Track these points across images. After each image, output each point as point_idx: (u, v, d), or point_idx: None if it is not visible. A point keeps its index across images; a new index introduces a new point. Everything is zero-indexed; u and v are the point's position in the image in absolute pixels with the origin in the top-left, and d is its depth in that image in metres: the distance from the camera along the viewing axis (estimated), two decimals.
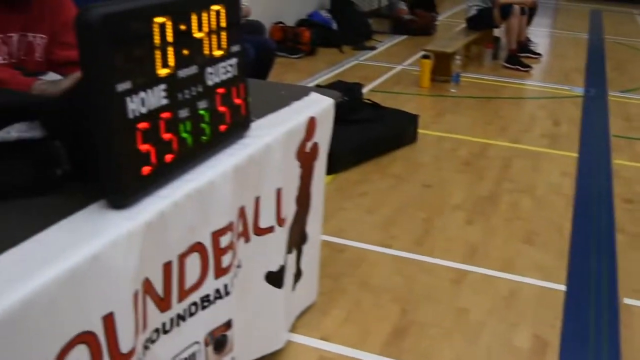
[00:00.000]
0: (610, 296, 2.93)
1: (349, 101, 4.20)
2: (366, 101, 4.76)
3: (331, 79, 6.04)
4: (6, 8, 1.94)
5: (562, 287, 2.97)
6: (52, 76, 1.86)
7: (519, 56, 7.32)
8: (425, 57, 6.26)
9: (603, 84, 6.90)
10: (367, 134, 4.32)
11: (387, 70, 6.88)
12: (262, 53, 4.47)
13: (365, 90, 5.04)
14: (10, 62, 1.96)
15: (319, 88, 2.92)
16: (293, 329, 2.52)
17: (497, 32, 7.90)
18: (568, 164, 4.51)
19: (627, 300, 2.91)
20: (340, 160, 3.92)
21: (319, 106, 2.27)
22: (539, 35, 9.30)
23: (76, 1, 2.15)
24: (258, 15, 5.56)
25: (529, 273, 3.08)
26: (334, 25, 8.00)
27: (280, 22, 7.34)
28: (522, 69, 7.18)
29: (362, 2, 9.27)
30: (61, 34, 2.07)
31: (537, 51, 7.95)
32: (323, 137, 2.32)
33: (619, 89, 6.67)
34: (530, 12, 7.58)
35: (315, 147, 2.26)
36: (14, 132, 1.48)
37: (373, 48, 7.86)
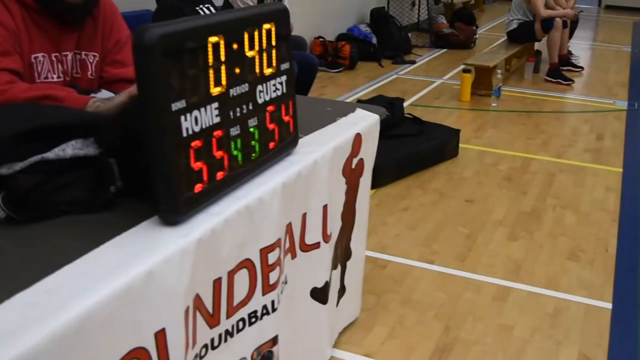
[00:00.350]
0: None
1: (391, 116, 4.19)
2: (407, 116, 4.75)
3: (371, 94, 6.05)
4: (62, 27, 1.99)
5: (608, 305, 2.92)
6: (104, 94, 1.89)
7: (561, 69, 7.24)
8: (466, 71, 6.23)
9: None
10: (408, 148, 4.31)
11: (427, 84, 6.86)
12: (304, 68, 4.49)
13: (405, 104, 5.03)
14: (64, 80, 2.00)
15: (364, 104, 2.92)
16: (336, 344, 2.52)
17: (537, 45, 7.83)
18: (612, 179, 4.44)
19: None
20: (382, 175, 3.92)
21: (365, 122, 2.27)
22: (581, 48, 9.19)
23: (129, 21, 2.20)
24: (299, 30, 5.60)
25: (574, 291, 3.03)
26: (374, 40, 8.02)
27: (321, 37, 7.38)
28: (564, 82, 7.09)
29: (402, 16, 9.28)
30: (113, 52, 2.12)
31: (579, 64, 7.86)
32: (368, 153, 2.32)
33: None
34: (572, 25, 7.50)
35: (361, 163, 2.27)
36: (69, 149, 1.51)
37: (413, 62, 7.85)
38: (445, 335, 2.66)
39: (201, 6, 3.77)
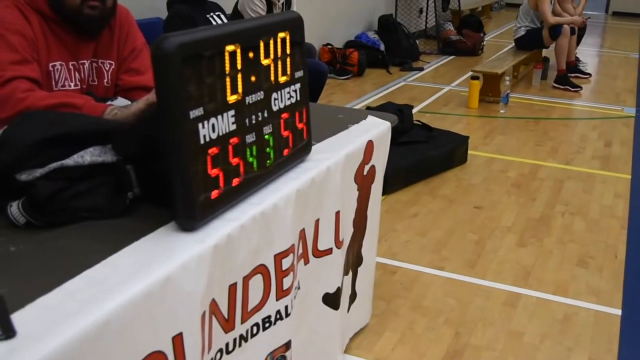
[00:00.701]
0: None
1: (400, 123, 4.21)
2: (416, 122, 4.77)
3: (380, 100, 6.07)
4: (79, 36, 2.01)
5: (618, 312, 2.93)
6: (121, 101, 1.92)
7: (569, 76, 7.25)
8: (474, 77, 6.25)
9: None
10: (417, 155, 4.33)
11: (435, 91, 6.88)
12: (314, 76, 4.50)
13: (414, 111, 5.05)
14: (81, 87, 2.03)
15: (375, 111, 2.94)
16: (347, 350, 2.53)
17: (545, 52, 7.85)
18: (621, 185, 4.44)
19: None
20: (391, 181, 3.94)
21: (377, 130, 2.29)
22: (588, 55, 9.20)
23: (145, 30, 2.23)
24: (308, 37, 5.61)
25: (584, 297, 3.04)
26: (382, 47, 8.05)
27: (329, 44, 7.41)
28: (572, 89, 7.10)
29: (409, 23, 9.31)
30: (129, 60, 2.14)
31: (587, 71, 7.87)
32: (380, 160, 2.34)
33: None
34: (579, 32, 7.52)
35: (372, 170, 2.29)
36: (88, 156, 1.54)
37: (420, 69, 7.87)
38: (455, 341, 2.67)
39: (212, 14, 3.81)
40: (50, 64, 1.96)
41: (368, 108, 4.75)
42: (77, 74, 2.01)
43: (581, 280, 3.18)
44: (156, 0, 4.01)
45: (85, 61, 2.04)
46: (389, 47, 8.11)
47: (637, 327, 2.82)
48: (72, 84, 2.00)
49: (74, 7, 1.93)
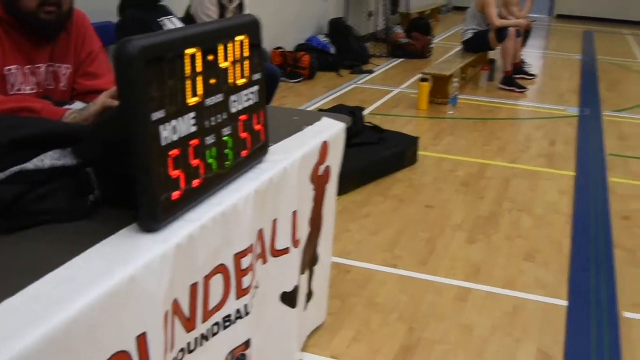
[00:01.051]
0: (610, 310, 3.00)
1: (352, 125, 4.27)
2: (367, 124, 4.84)
3: (331, 103, 6.14)
4: (36, 40, 2.02)
5: (564, 303, 3.04)
6: (79, 105, 1.92)
7: (515, 78, 7.44)
8: (423, 80, 6.37)
9: (597, 104, 7.03)
10: (369, 156, 4.40)
11: (385, 93, 6.98)
12: (267, 79, 4.54)
13: (365, 113, 5.12)
14: (38, 92, 2.03)
15: (330, 113, 3.00)
16: (305, 348, 2.58)
17: (492, 54, 8.04)
18: (565, 182, 4.60)
19: (627, 314, 2.98)
20: (344, 182, 3.97)
21: (331, 131, 2.35)
22: (533, 57, 9.45)
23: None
24: None
25: (532, 290, 3.15)
26: (333, 50, 8.12)
27: (280, 48, 7.45)
28: (518, 90, 7.30)
29: (359, 26, 9.40)
30: (86, 64, 2.15)
31: (532, 72, 8.09)
32: (335, 160, 2.40)
33: (612, 109, 6.80)
34: (525, 35, 7.72)
35: (328, 170, 2.34)
36: (48, 160, 1.55)
37: (371, 72, 7.97)
38: (409, 336, 2.74)
39: (164, 19, 3.81)
40: (6, 68, 1.96)
41: (320, 111, 4.80)
42: (33, 78, 2.01)
43: (529, 274, 3.30)
44: (107, 4, 3.99)
45: (42, 65, 2.04)
46: (340, 50, 8.19)
47: (582, 317, 2.94)
48: (28, 88, 2.00)
49: (30, 12, 1.93)
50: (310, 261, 2.44)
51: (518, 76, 7.60)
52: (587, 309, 3.01)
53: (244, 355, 1.97)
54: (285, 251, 2.13)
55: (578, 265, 3.41)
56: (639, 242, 3.75)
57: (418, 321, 2.85)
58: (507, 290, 3.15)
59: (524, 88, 7.35)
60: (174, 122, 1.46)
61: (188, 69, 1.49)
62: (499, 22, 7.29)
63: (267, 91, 4.77)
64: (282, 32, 7.64)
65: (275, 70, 4.94)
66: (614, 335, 2.81)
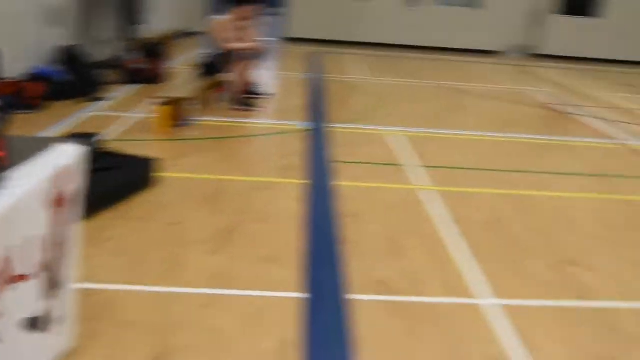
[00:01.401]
0: (342, 296, 3.38)
1: (90, 151, 4.26)
2: (105, 150, 4.85)
3: (65, 132, 6.00)
4: None
5: (303, 296, 3.37)
6: None
7: (248, 97, 7.84)
8: (160, 103, 6.48)
9: (324, 118, 7.68)
10: (104, 182, 4.40)
11: (123, 119, 6.98)
12: None
13: (101, 139, 5.11)
14: None
15: (65, 140, 3.02)
16: None
17: (226, 76, 8.38)
18: (298, 190, 5.00)
19: (356, 296, 3.39)
20: (84, 208, 3.97)
21: (67, 156, 2.40)
22: (265, 77, 9.99)
23: None
24: None
25: (273, 288, 3.43)
26: (64, 78, 7.89)
27: (5, 78, 7.08)
28: (250, 109, 7.71)
29: (93, 53, 9.24)
30: None
31: (264, 92, 8.57)
32: (73, 186, 2.45)
33: (339, 121, 7.47)
34: (255, 57, 8.17)
35: (65, 195, 2.38)
36: None
37: (105, 99, 7.89)
38: (161, 345, 2.85)
39: None
40: None
41: (54, 138, 4.72)
42: None
43: (269, 275, 3.58)
44: None
45: None
46: (72, 78, 7.99)
47: (319, 307, 3.27)
48: None
49: None
50: (53, 286, 2.46)
51: (251, 96, 8.01)
52: (322, 298, 3.36)
53: None
54: (25, 277, 2.14)
55: (313, 263, 3.77)
56: (362, 234, 4.23)
57: (168, 331, 2.97)
58: (250, 291, 3.39)
59: (256, 106, 7.79)
60: None
61: None
62: (230, 46, 7.65)
63: None
64: (7, 61, 7.28)
65: None
66: (346, 316, 3.19)
